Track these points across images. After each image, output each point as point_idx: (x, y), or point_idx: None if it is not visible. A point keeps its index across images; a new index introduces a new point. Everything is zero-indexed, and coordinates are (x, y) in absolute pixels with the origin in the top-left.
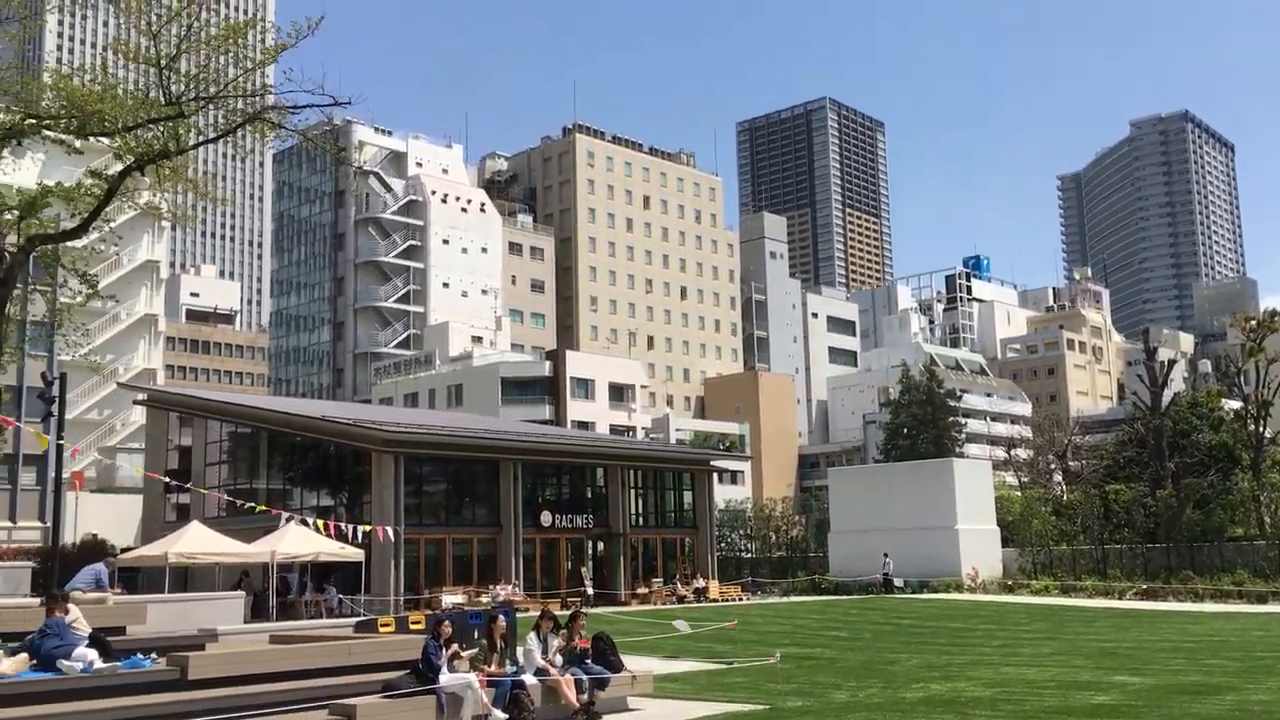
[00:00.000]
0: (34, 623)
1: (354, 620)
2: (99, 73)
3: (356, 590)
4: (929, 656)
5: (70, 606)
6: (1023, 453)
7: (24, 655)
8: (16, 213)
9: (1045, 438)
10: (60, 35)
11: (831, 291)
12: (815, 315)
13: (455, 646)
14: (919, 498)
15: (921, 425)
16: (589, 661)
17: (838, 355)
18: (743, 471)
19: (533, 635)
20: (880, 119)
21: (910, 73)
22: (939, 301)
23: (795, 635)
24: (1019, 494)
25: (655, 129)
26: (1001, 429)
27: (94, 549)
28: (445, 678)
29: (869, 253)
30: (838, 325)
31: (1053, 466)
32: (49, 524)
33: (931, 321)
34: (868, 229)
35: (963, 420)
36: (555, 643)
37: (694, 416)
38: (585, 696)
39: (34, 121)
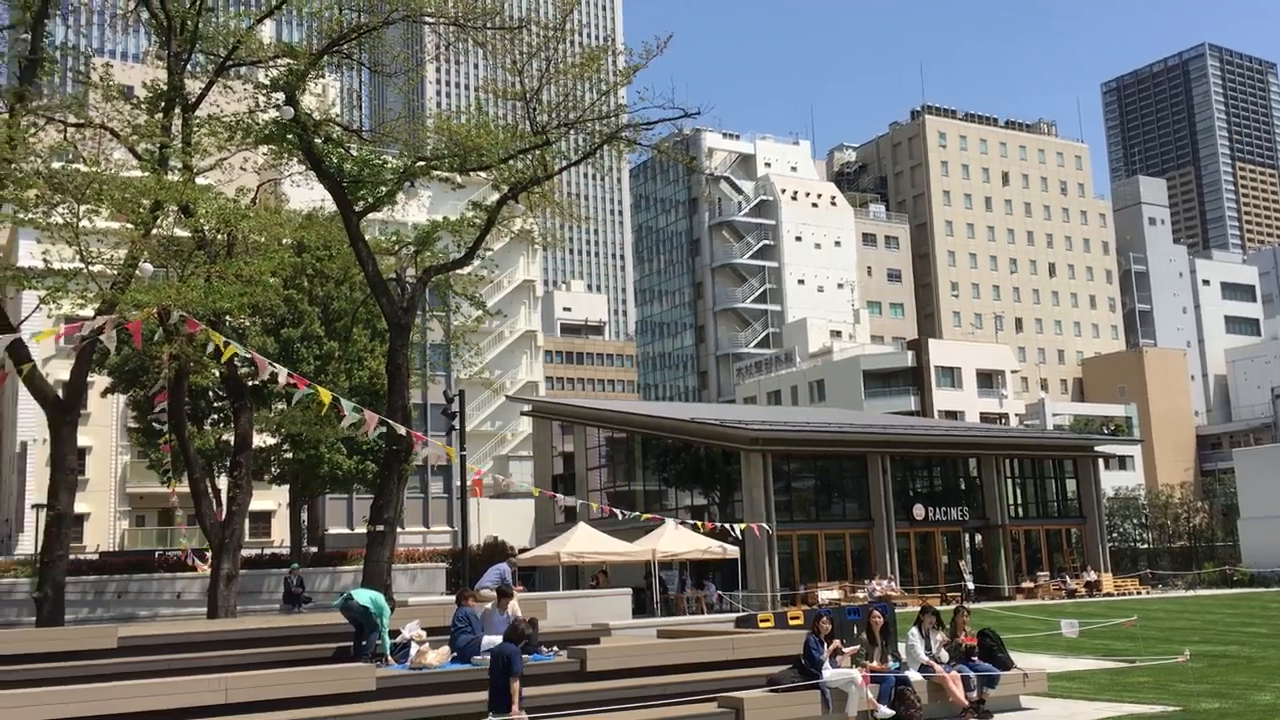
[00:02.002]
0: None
1: (734, 616)
2: (474, 112)
3: (734, 586)
4: None
5: (510, 602)
6: None
7: (445, 648)
8: (413, 247)
9: None
10: (438, 83)
11: (1224, 255)
12: (1206, 282)
13: (837, 642)
14: None
15: None
16: (976, 659)
17: (1236, 324)
18: (1132, 456)
19: (914, 631)
20: (1271, 60)
21: None
22: None
23: (1205, 632)
24: None
25: (1009, 101)
26: None
27: (496, 550)
28: (828, 673)
29: (1266, 208)
30: (1234, 291)
31: None
32: (456, 528)
33: None
34: (1263, 182)
35: None
36: (938, 639)
37: (1071, 400)
38: (974, 694)
39: (423, 163)
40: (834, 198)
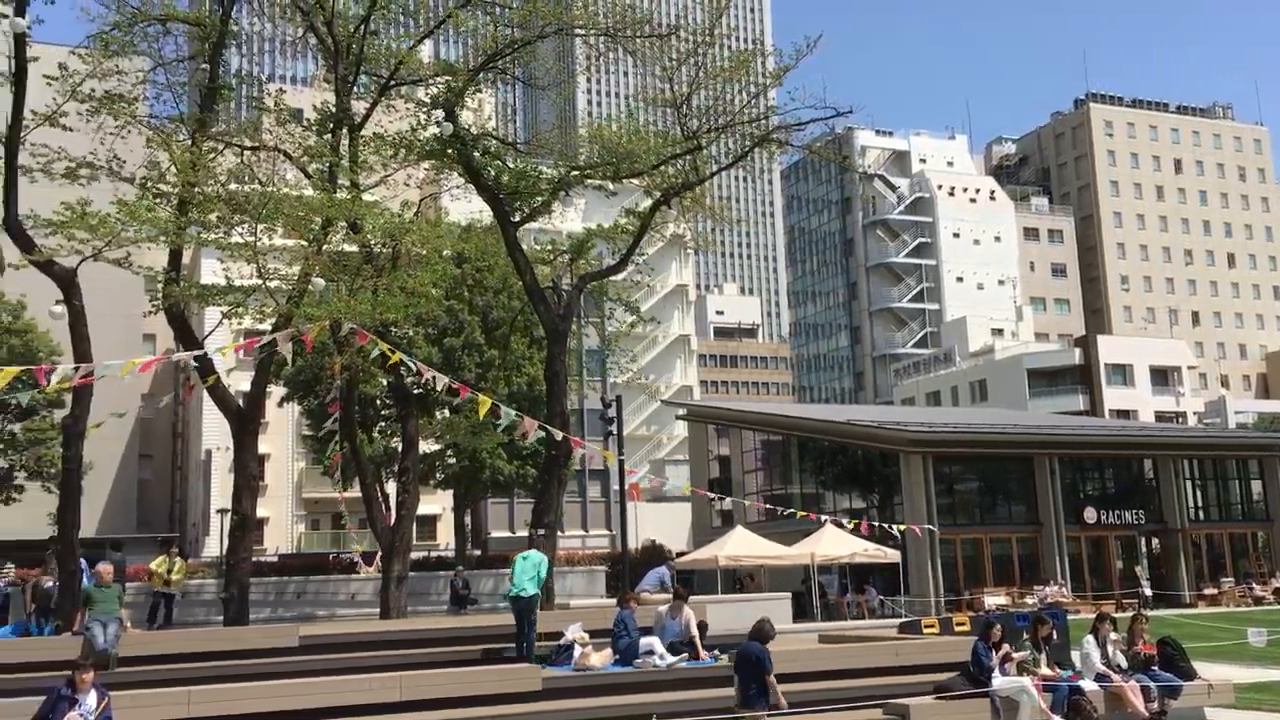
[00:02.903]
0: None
1: (897, 621)
2: (626, 120)
3: (895, 591)
4: None
5: (684, 606)
6: None
7: (608, 650)
8: (569, 255)
9: None
10: (589, 92)
11: None
12: None
13: (1006, 648)
14: None
15: None
16: (1155, 668)
17: None
18: None
19: (1090, 639)
20: None
21: None
22: None
23: None
24: None
25: (1180, 85)
26: None
27: (654, 553)
28: (998, 681)
29: None
30: None
31: None
32: (614, 531)
33: None
34: None
35: None
36: (1114, 646)
37: (1255, 397)
38: (1155, 705)
39: (577, 172)
40: (993, 192)
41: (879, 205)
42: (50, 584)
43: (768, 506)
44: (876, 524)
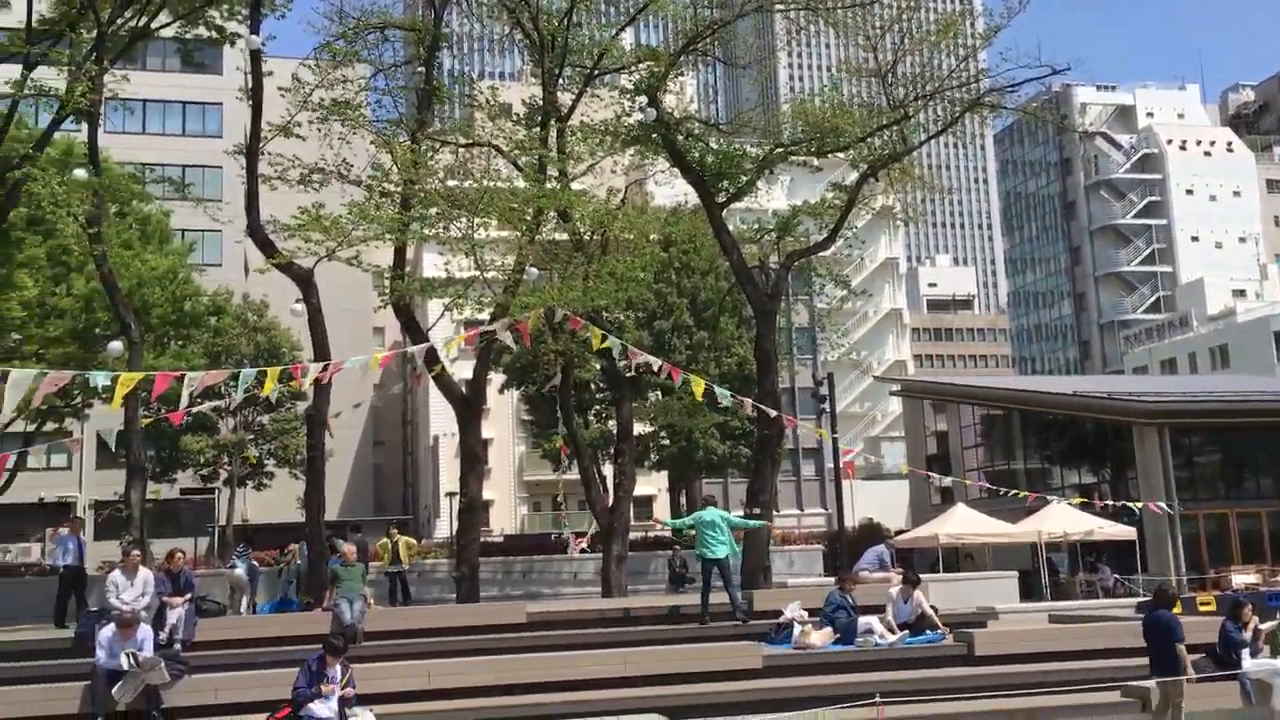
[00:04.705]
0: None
1: (1134, 601)
2: (829, 94)
3: (1131, 570)
4: None
5: (915, 590)
6: None
7: (828, 629)
8: (775, 233)
9: None
10: (790, 67)
11: None
12: None
13: (1259, 626)
14: None
15: None
16: None
17: None
18: None
19: None
20: None
21: None
22: None
23: None
24: None
25: None
26: None
27: (871, 532)
28: (1250, 664)
29: None
30: None
31: None
32: (829, 510)
33: None
34: None
35: None
36: None
37: None
38: None
39: (781, 150)
40: (1230, 144)
41: (1102, 165)
42: (300, 563)
43: (988, 487)
44: (1109, 501)
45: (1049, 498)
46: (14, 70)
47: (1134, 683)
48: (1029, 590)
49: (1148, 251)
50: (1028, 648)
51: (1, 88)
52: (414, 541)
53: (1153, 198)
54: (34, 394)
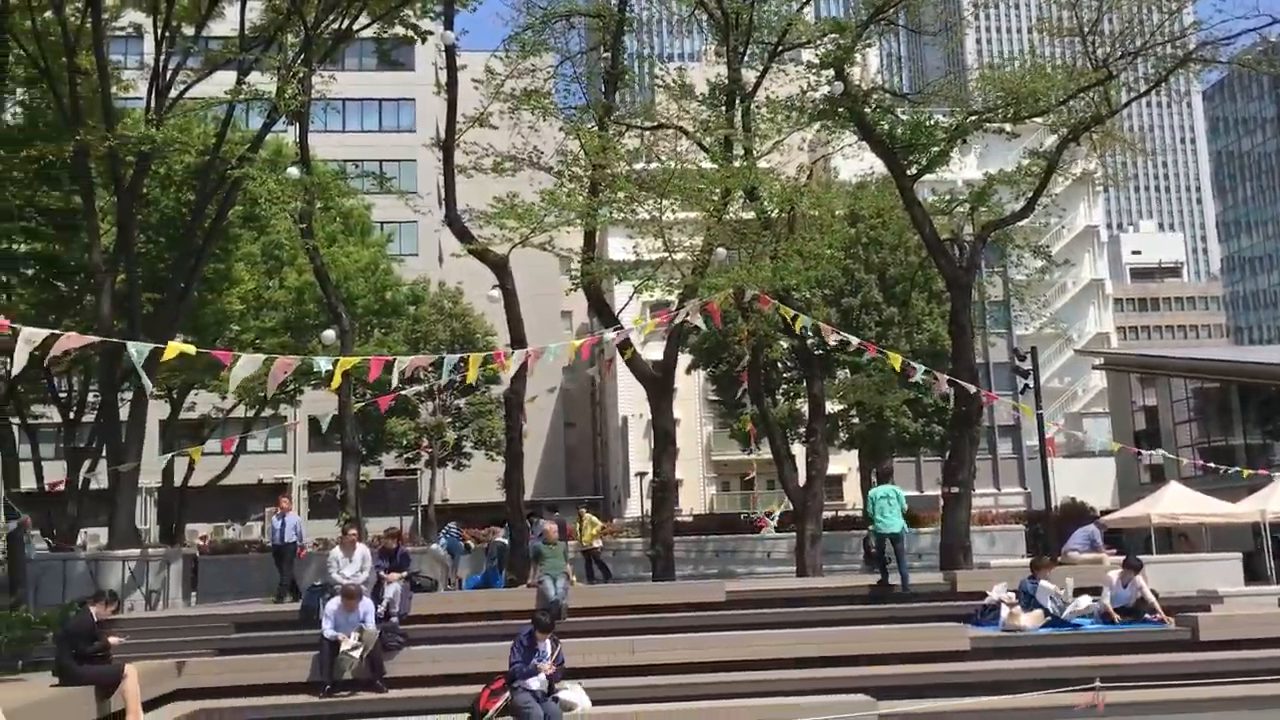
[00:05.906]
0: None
1: None
2: (1025, 56)
3: None
4: None
5: (1136, 575)
6: None
7: (1038, 611)
8: (968, 205)
9: None
10: (978, 29)
11: None
12: None
13: None
14: None
15: None
16: None
17: None
18: None
19: None
20: None
21: None
22: None
23: None
24: None
25: None
26: None
27: (1075, 512)
28: None
29: None
30: None
31: None
32: (1028, 489)
33: None
34: None
35: None
36: None
37: None
38: None
39: (974, 118)
40: None
41: None
42: (502, 540)
43: (1205, 464)
44: None
45: (1273, 475)
46: (228, 76)
47: None
48: (1253, 573)
49: None
50: (1257, 633)
51: (217, 93)
52: (597, 520)
53: None
54: (266, 380)
